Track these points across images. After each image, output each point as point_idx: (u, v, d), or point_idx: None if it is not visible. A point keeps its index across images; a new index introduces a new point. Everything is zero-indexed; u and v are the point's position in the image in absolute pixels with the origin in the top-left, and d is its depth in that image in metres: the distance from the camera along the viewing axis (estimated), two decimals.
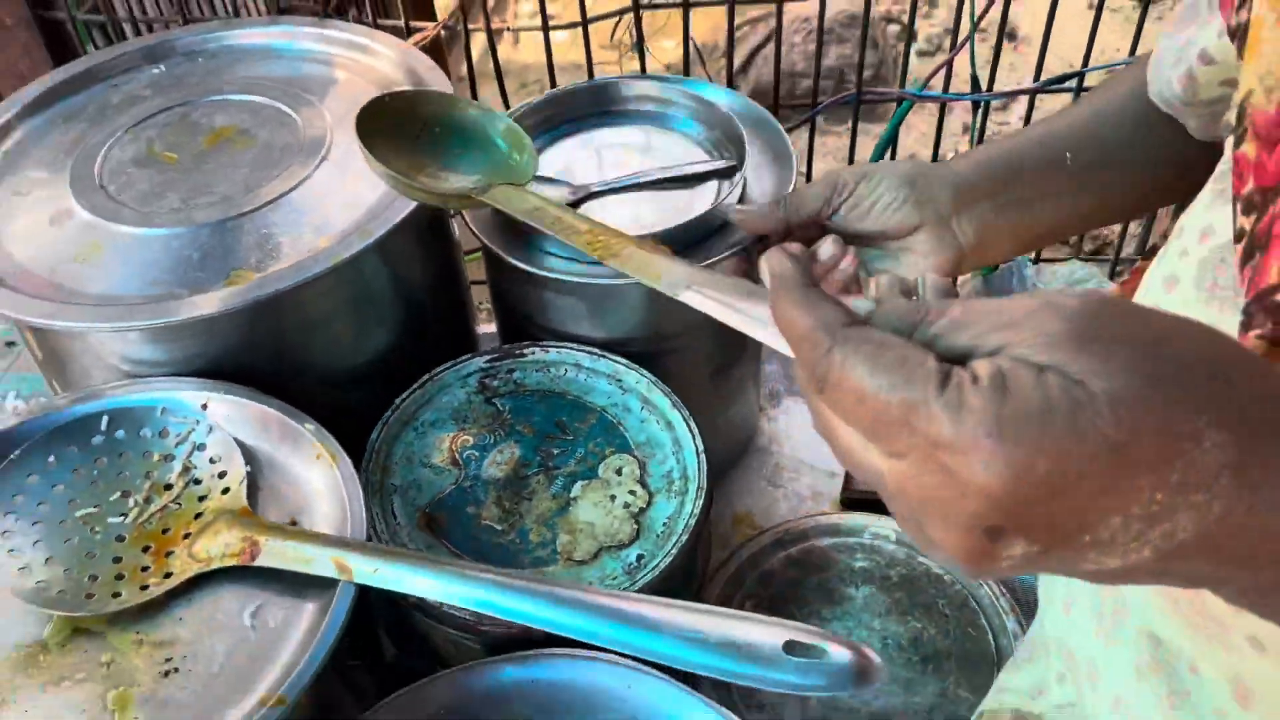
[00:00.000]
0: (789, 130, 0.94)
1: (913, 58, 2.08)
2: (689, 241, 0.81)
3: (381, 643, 0.81)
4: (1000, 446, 0.30)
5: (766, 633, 0.54)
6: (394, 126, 0.71)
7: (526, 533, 0.76)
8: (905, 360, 0.33)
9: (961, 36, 1.01)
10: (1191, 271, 0.48)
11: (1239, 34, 0.48)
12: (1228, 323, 0.44)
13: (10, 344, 1.11)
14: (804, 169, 1.17)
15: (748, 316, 0.46)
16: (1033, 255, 1.12)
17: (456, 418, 0.83)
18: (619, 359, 0.84)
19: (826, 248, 0.66)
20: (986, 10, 0.95)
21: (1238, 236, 0.43)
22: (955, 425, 0.31)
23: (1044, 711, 0.68)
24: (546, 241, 0.82)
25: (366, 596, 0.75)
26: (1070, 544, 0.32)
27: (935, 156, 1.12)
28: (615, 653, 0.65)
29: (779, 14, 1.01)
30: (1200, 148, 0.65)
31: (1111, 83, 0.73)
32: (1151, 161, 0.70)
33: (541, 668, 0.68)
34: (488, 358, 0.85)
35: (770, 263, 0.41)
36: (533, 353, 0.86)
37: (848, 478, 1.00)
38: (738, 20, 1.14)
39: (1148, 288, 0.52)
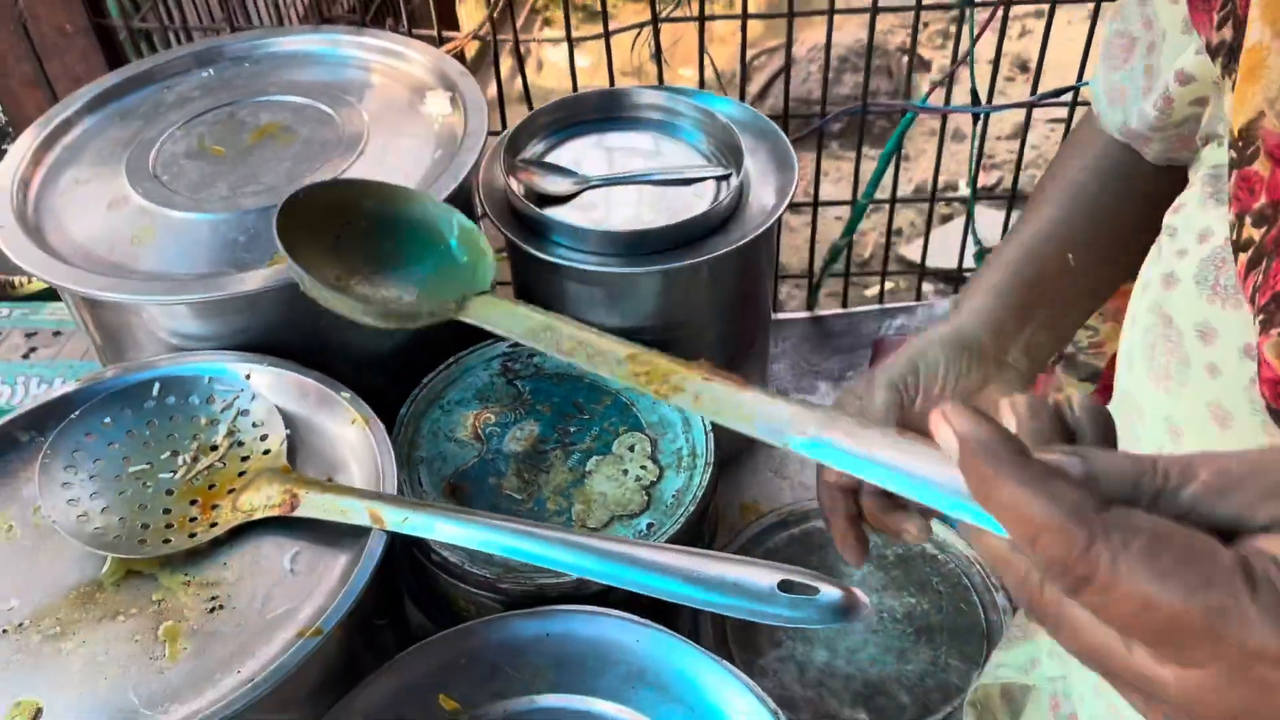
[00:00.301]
0: (795, 140, 1.00)
1: (925, 85, 2.14)
2: (683, 240, 0.87)
3: (405, 607, 0.86)
4: None
5: (763, 574, 0.59)
6: (316, 223, 0.66)
7: (544, 501, 0.81)
8: (1195, 554, 0.29)
9: (963, 53, 1.07)
10: (1192, 270, 0.49)
11: (1222, 51, 0.50)
12: (1230, 319, 0.46)
13: (56, 334, 1.18)
14: (810, 178, 1.22)
15: (914, 478, 0.36)
16: None
17: (480, 397, 0.88)
18: (634, 343, 0.90)
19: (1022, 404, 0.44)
20: (984, 29, 1.01)
21: (1244, 246, 0.45)
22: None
23: (1036, 683, 0.72)
24: (565, 236, 0.88)
25: (393, 559, 0.80)
26: None
27: (937, 170, 1.18)
28: (624, 610, 0.71)
29: (789, 26, 1.08)
30: (1156, 176, 0.66)
31: (1065, 163, 0.72)
32: (1133, 212, 0.68)
33: (556, 622, 0.73)
34: (510, 343, 0.91)
35: (959, 426, 0.33)
36: None
37: None
38: (756, 50, 1.20)
39: (1145, 284, 0.54)
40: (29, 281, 1.25)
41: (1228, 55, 0.49)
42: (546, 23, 3.08)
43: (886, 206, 1.22)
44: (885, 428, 0.38)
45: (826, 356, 1.18)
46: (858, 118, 1.13)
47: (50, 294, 1.24)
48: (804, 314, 1.23)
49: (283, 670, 0.61)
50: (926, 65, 3.01)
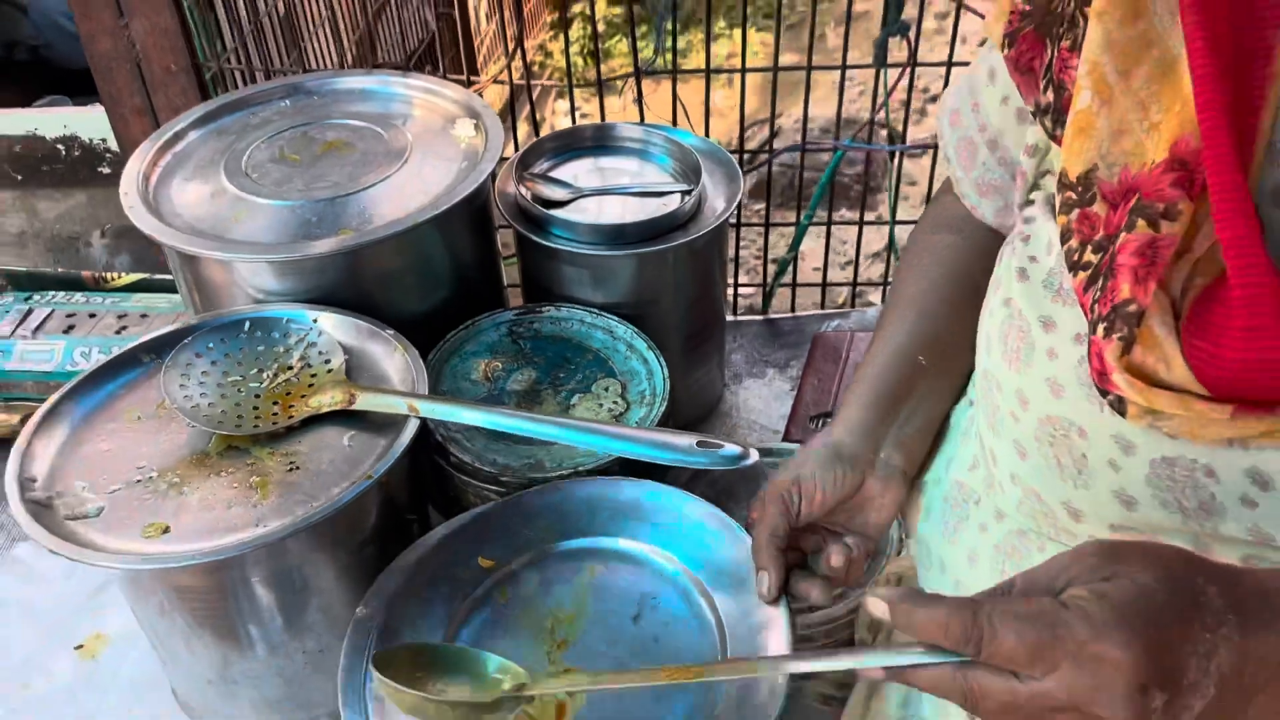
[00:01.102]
0: (745, 171, 1.26)
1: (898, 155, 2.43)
2: (653, 234, 1.13)
3: (429, 513, 1.09)
4: (1126, 628, 0.45)
5: (685, 438, 0.84)
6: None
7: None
8: (1033, 601, 0.48)
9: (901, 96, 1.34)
10: (1041, 274, 0.60)
11: (1049, 112, 0.59)
12: (1066, 314, 0.57)
13: (143, 316, 1.43)
14: (763, 195, 1.49)
15: (861, 664, 0.57)
16: None
17: (490, 350, 1.13)
18: (612, 316, 1.15)
19: (837, 558, 0.75)
20: (896, 85, 1.28)
21: (1083, 266, 0.55)
22: (1092, 627, 0.46)
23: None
24: (561, 229, 1.14)
25: (420, 462, 1.03)
26: (1178, 687, 0.45)
27: (864, 197, 1.44)
28: (603, 472, 0.93)
29: (743, 60, 1.35)
30: (988, 238, 0.76)
31: (919, 257, 0.82)
32: (977, 293, 0.71)
33: (552, 493, 0.94)
34: (515, 312, 1.16)
35: (884, 595, 0.54)
36: (549, 311, 1.17)
37: (788, 429, 1.29)
38: (750, 120, 1.47)
39: (998, 282, 0.64)
40: (118, 277, 1.51)
41: (1054, 116, 0.59)
42: (560, 95, 3.39)
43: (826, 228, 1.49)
44: (827, 651, 0.64)
45: (775, 350, 1.44)
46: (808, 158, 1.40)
47: (135, 286, 1.50)
48: (758, 316, 1.49)
49: (342, 502, 0.84)
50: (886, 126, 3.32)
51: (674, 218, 1.15)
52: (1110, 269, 0.52)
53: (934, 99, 3.17)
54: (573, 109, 1.38)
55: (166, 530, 0.85)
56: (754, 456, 0.82)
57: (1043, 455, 0.61)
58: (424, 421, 0.94)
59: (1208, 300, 0.49)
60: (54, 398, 0.94)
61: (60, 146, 1.67)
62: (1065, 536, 0.62)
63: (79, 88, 2.29)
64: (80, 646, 1.13)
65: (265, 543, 0.82)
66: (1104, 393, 0.53)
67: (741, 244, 2.28)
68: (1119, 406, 0.53)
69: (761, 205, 2.56)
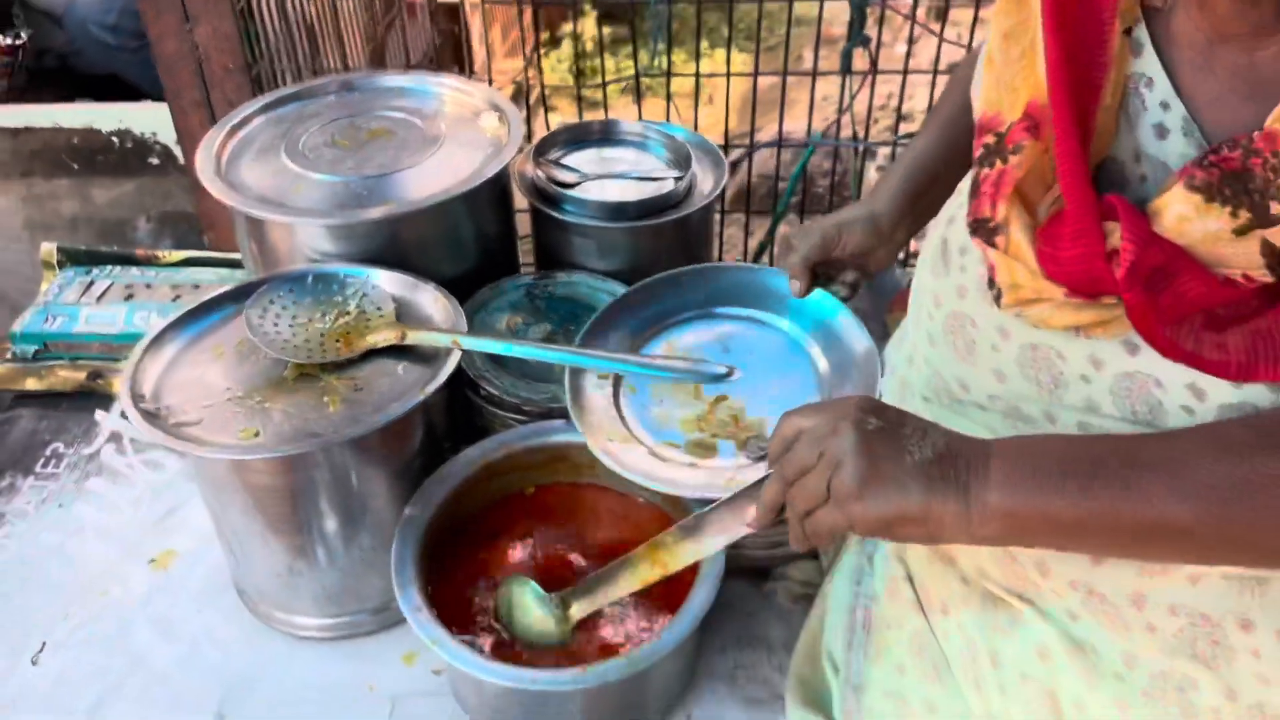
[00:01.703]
0: (732, 164, 1.47)
1: (870, 170, 2.66)
2: (650, 211, 1.33)
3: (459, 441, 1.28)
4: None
5: (681, 362, 1.03)
6: None
7: (552, 365, 1.24)
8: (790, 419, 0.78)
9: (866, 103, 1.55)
10: (961, 221, 0.80)
11: None
12: (974, 250, 0.78)
13: (195, 287, 1.62)
14: (744, 182, 1.70)
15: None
16: (901, 259, 1.63)
17: (512, 308, 1.32)
18: (614, 281, 1.35)
19: (850, 276, 1.14)
20: (858, 92, 1.49)
21: (973, 194, 0.76)
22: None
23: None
24: (572, 205, 1.34)
25: (455, 399, 1.22)
26: (893, 424, 0.71)
27: (832, 186, 1.66)
28: None
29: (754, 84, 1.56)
30: None
31: (948, 93, 1.11)
32: None
33: (567, 426, 1.16)
34: (533, 277, 1.36)
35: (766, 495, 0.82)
36: (561, 276, 1.36)
37: None
38: (732, 134, 1.69)
39: (937, 222, 0.91)
40: (170, 254, 1.69)
41: None
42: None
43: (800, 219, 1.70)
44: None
45: None
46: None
47: (187, 262, 1.68)
48: None
49: (402, 411, 1.03)
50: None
51: (668, 198, 1.35)
52: (976, 187, 0.73)
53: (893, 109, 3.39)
54: (580, 112, 1.57)
55: (257, 434, 1.03)
56: (738, 374, 1.02)
57: (946, 342, 0.81)
58: (459, 365, 1.13)
59: (1055, 219, 0.70)
60: (156, 329, 1.13)
61: (114, 139, 1.85)
62: (954, 404, 0.83)
63: (103, 93, 2.47)
64: (153, 560, 1.31)
65: (340, 441, 1.01)
66: (991, 284, 0.74)
67: (725, 245, 2.50)
68: (998, 300, 0.73)
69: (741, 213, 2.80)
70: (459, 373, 1.17)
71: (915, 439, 0.71)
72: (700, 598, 0.98)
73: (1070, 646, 0.81)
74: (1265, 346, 0.66)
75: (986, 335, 0.78)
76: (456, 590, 1.09)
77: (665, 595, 1.05)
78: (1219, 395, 0.68)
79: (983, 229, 0.73)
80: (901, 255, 1.30)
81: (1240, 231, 0.63)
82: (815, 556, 1.19)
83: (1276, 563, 0.70)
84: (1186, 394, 0.69)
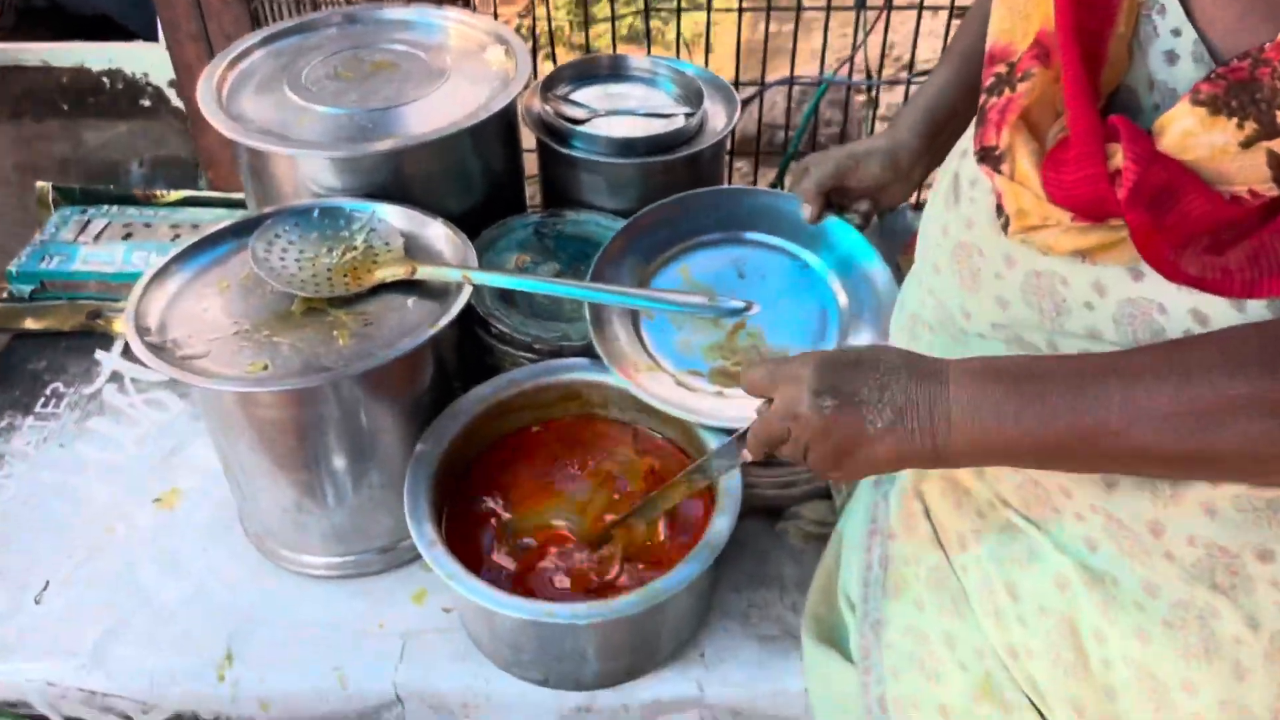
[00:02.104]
0: (743, 102, 1.44)
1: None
2: (660, 148, 1.31)
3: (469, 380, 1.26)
4: (812, 359, 0.77)
5: (697, 296, 1.02)
6: None
7: (562, 304, 1.22)
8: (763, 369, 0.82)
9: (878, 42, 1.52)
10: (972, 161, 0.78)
11: None
12: (984, 182, 0.76)
13: (195, 226, 1.59)
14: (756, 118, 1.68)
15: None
16: (913, 202, 1.61)
17: (520, 246, 1.30)
18: (623, 219, 1.32)
19: (864, 205, 1.15)
20: (869, 32, 1.47)
21: (981, 122, 0.74)
22: (796, 362, 0.78)
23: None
24: (580, 140, 1.31)
25: (465, 338, 1.20)
26: (848, 397, 0.74)
27: (845, 125, 1.63)
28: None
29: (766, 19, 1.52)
30: None
31: (968, 25, 1.08)
32: None
33: (577, 363, 1.14)
34: (540, 215, 1.34)
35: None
36: (570, 214, 1.34)
37: None
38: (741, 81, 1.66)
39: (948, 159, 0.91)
40: (168, 194, 1.66)
41: None
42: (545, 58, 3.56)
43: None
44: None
45: None
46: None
47: (186, 201, 1.65)
48: None
49: (412, 346, 1.02)
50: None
51: (679, 134, 1.32)
52: (983, 116, 0.73)
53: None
54: (587, 39, 1.54)
55: (265, 368, 1.01)
56: (756, 309, 1.00)
57: (951, 271, 0.81)
58: (469, 303, 1.11)
59: (1061, 144, 0.69)
60: (159, 263, 1.10)
61: (105, 79, 1.81)
62: (958, 333, 0.83)
63: (92, 33, 2.41)
64: (158, 499, 1.29)
65: (350, 375, 1.00)
66: (999, 212, 0.73)
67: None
68: (1006, 227, 0.72)
69: (747, 156, 2.76)
70: (469, 311, 1.15)
71: (873, 401, 0.75)
72: (718, 529, 0.97)
73: (1089, 577, 0.81)
74: (1267, 261, 0.65)
75: (992, 264, 0.78)
76: (468, 528, 1.08)
77: (680, 532, 1.04)
78: (1222, 320, 0.68)
79: (989, 157, 0.72)
80: (914, 199, 1.29)
81: (1246, 143, 0.62)
82: (828, 496, 1.18)
83: (1249, 478, 0.71)
84: (1189, 319, 0.69)
